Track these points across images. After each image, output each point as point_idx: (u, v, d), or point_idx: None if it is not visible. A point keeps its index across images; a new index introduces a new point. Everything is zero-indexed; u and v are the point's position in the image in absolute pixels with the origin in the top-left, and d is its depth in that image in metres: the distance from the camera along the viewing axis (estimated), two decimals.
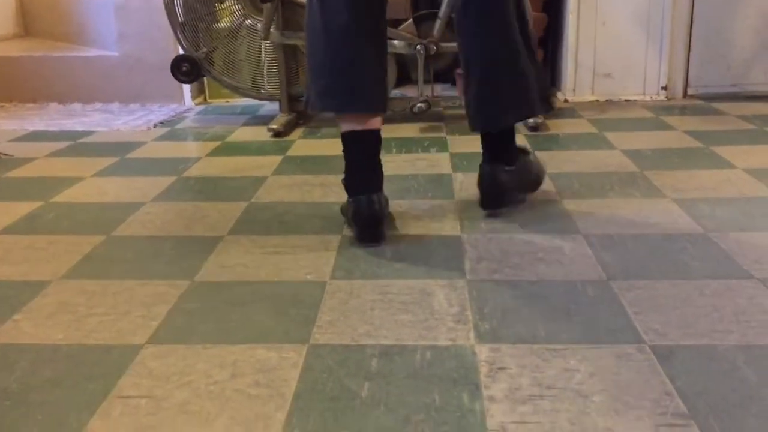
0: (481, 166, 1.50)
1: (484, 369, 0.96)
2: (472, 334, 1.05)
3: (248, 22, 2.50)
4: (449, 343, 1.03)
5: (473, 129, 1.49)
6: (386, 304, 1.15)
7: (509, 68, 1.43)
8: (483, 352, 1.00)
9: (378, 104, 1.40)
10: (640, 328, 1.05)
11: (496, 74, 1.44)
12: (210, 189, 1.81)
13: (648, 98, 2.80)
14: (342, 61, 1.37)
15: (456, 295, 1.18)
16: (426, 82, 2.43)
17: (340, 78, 1.37)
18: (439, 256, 1.33)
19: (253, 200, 1.70)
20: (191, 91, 3.00)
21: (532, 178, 1.60)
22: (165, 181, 1.88)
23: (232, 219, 1.57)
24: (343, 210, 1.49)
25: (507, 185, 1.50)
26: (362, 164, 1.40)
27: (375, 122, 1.39)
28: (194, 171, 1.98)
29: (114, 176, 1.96)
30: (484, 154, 1.50)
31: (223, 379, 0.96)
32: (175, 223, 1.56)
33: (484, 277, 1.24)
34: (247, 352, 1.02)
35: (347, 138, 1.39)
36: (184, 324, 1.11)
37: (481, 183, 1.50)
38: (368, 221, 1.38)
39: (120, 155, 2.18)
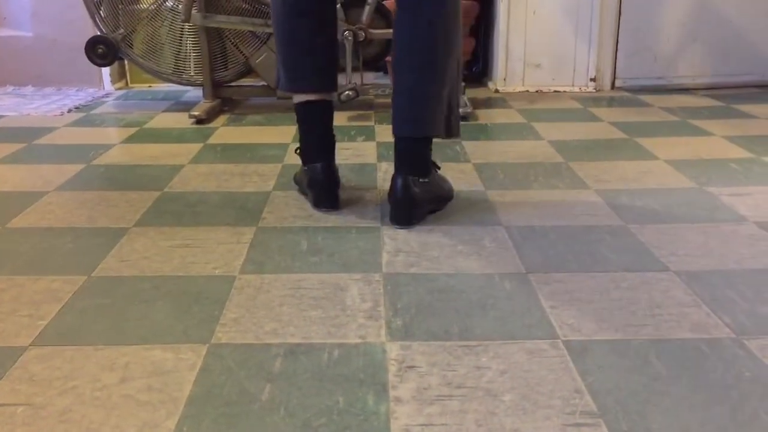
0: (393, 177, 1.38)
1: (393, 368, 0.91)
2: (383, 331, 1.00)
3: (169, 3, 2.39)
4: (359, 340, 0.98)
5: (399, 132, 1.37)
6: (297, 299, 1.10)
7: (446, 70, 1.35)
8: (393, 350, 0.96)
9: (328, 85, 1.47)
10: (555, 322, 1.02)
11: (434, 74, 1.34)
12: (121, 178, 1.71)
13: (577, 89, 2.82)
14: (291, 41, 1.43)
15: (370, 289, 1.13)
16: (354, 69, 2.37)
17: (290, 58, 1.44)
18: (357, 249, 1.28)
19: (166, 189, 1.61)
20: (111, 76, 2.87)
21: (445, 193, 1.49)
22: (72, 169, 1.77)
23: (140, 209, 1.48)
24: (296, 179, 1.60)
25: (420, 199, 1.38)
26: (315, 133, 1.47)
27: (326, 94, 1.47)
28: (106, 159, 1.88)
29: (16, 163, 1.83)
30: (397, 164, 1.38)
31: (111, 383, 0.88)
32: (78, 214, 1.46)
33: (401, 271, 1.19)
34: (142, 354, 0.95)
35: (301, 109, 1.46)
36: (76, 323, 1.03)
37: (393, 196, 1.38)
38: (325, 186, 1.46)
39: (27, 141, 2.05)
